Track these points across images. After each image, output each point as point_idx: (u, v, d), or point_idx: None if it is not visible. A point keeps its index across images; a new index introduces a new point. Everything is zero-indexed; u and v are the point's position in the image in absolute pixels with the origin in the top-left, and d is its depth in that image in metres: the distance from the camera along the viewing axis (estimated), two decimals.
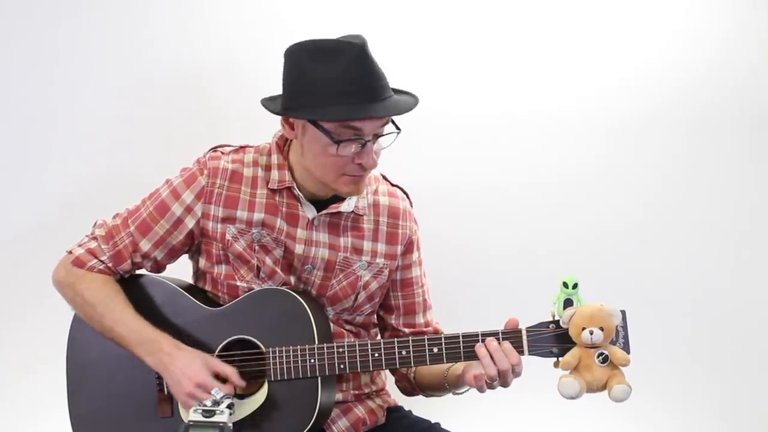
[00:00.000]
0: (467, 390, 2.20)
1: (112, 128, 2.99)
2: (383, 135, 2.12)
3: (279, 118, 2.17)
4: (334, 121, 2.06)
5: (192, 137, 2.79)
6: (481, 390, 2.09)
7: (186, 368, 2.10)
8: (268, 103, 2.17)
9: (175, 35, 2.98)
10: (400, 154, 2.19)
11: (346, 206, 2.23)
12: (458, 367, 2.18)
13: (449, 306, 2.58)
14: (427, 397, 2.35)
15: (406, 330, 2.33)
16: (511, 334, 2.07)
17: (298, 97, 2.08)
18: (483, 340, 2.06)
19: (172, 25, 2.98)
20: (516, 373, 2.07)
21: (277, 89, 2.17)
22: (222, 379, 2.12)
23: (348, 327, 2.30)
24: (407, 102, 2.11)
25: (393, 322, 2.35)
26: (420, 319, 2.35)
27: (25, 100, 2.99)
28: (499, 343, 2.05)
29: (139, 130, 2.99)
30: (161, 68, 2.98)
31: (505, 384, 2.08)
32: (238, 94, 2.95)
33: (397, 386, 2.39)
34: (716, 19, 3.00)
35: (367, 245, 2.27)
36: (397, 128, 2.13)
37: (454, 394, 2.26)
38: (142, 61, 2.98)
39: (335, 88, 2.04)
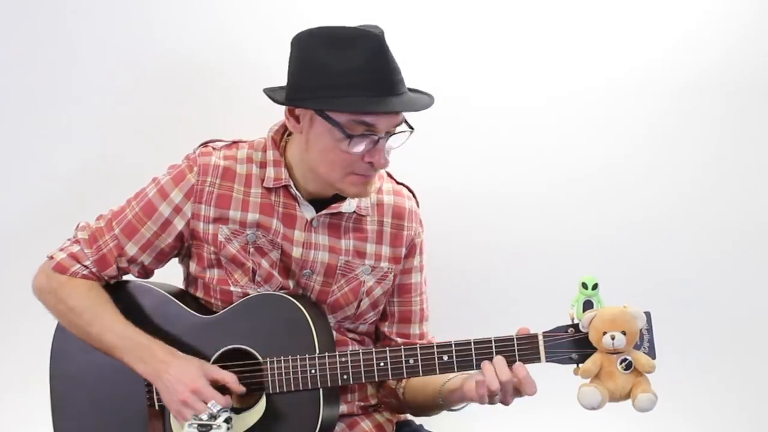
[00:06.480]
0: (464, 406, 2.14)
1: (99, 123, 2.93)
2: (395, 133, 2.04)
3: (273, 113, 2.10)
4: (349, 113, 1.97)
5: (182, 133, 2.72)
6: (482, 400, 2.00)
7: (181, 375, 2.03)
8: (272, 94, 2.08)
9: (166, 27, 2.92)
10: (407, 148, 2.11)
11: (348, 206, 2.15)
12: (455, 381, 2.09)
13: (460, 309, 2.59)
14: (415, 415, 2.29)
15: (399, 340, 2.26)
16: (527, 340, 2.00)
17: (308, 87, 1.99)
18: (497, 350, 1.99)
19: (164, 15, 2.93)
20: (522, 392, 1.99)
21: (273, 82, 2.10)
22: (220, 388, 2.04)
23: (351, 335, 2.23)
24: (424, 100, 2.06)
25: (385, 330, 2.27)
26: (415, 330, 2.28)
27: (13, 94, 2.94)
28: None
29: (129, 126, 2.94)
30: (150, 62, 2.92)
31: (505, 400, 2.00)
32: (230, 89, 2.89)
33: (383, 402, 2.31)
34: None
35: (370, 248, 2.19)
36: (410, 127, 2.05)
37: (450, 410, 2.17)
38: (131, 54, 2.92)
39: (351, 78, 1.95)
